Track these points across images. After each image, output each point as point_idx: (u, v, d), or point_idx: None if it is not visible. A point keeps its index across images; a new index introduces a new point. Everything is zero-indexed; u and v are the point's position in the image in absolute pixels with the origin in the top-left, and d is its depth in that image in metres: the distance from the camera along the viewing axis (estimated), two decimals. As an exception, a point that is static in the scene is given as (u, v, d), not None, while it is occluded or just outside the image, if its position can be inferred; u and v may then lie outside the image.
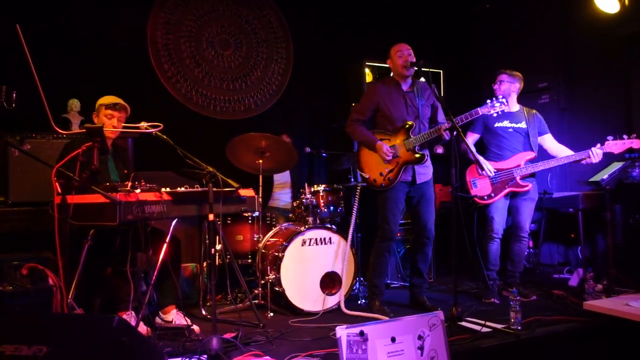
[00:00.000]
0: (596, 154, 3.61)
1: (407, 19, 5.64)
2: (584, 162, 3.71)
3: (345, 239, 3.66)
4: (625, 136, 3.61)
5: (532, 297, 3.75)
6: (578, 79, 5.01)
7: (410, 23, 5.63)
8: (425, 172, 3.53)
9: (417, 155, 3.40)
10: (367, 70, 5.05)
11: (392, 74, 3.60)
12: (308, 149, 4.54)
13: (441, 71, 5.45)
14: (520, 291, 3.61)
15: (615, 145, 3.62)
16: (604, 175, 3.90)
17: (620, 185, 4.05)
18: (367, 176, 3.52)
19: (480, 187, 3.83)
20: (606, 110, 4.71)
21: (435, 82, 5.35)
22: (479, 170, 3.80)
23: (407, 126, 3.43)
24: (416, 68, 3.41)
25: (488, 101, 3.33)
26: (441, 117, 3.57)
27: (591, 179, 4.07)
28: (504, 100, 3.31)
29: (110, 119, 3.06)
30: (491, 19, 5.77)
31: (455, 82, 5.55)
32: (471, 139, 3.94)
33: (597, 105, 4.81)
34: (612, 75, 4.67)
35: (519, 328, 2.88)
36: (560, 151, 3.84)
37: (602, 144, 3.62)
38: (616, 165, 3.99)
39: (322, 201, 3.86)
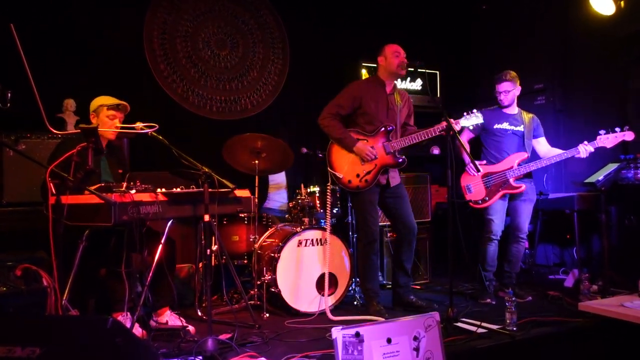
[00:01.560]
0: (585, 150, 3.60)
1: (405, 19, 5.65)
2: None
3: (342, 240, 3.66)
4: (617, 129, 3.59)
5: (527, 297, 3.76)
6: (575, 80, 5.03)
7: (409, 23, 5.63)
8: (396, 176, 3.57)
9: (398, 160, 3.41)
10: (364, 71, 5.05)
11: (379, 73, 3.57)
12: (304, 150, 4.53)
13: (437, 72, 5.46)
14: (515, 292, 3.61)
15: (607, 140, 3.60)
16: (599, 176, 3.90)
17: (615, 187, 4.06)
18: (341, 176, 3.43)
19: (474, 192, 3.84)
20: (603, 110, 4.72)
21: (432, 83, 5.36)
22: (471, 171, 3.81)
23: (387, 129, 3.44)
24: (411, 69, 3.44)
25: (465, 114, 3.37)
26: (411, 121, 3.64)
27: (586, 180, 4.08)
28: (479, 115, 3.37)
29: (113, 120, 3.04)
30: (490, 19, 5.79)
31: (453, 82, 5.56)
32: (465, 136, 3.94)
33: (593, 106, 4.82)
34: (609, 76, 4.68)
35: (515, 329, 2.89)
36: (553, 154, 3.84)
37: (594, 140, 3.62)
38: (611, 167, 4.00)
39: (318, 202, 3.85)
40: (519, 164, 3.77)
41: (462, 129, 3.90)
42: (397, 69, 3.44)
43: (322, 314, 3.46)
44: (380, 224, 3.69)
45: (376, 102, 3.47)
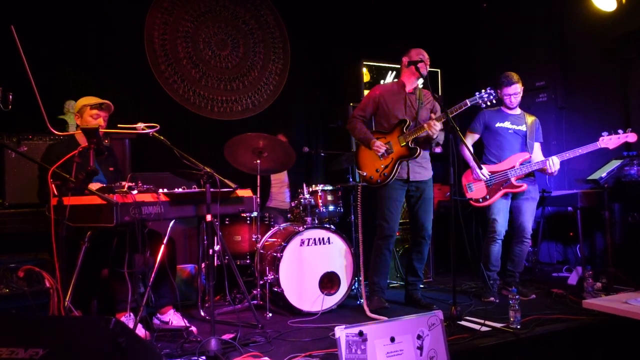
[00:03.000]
0: (553, 163, 3.65)
1: (406, 18, 5.64)
2: (545, 172, 3.74)
3: (344, 238, 3.66)
4: (620, 131, 3.60)
5: (531, 295, 3.74)
6: (576, 77, 5.02)
7: (409, 22, 5.63)
8: (421, 171, 3.56)
9: (411, 149, 3.41)
10: (364, 70, 5.04)
11: (401, 75, 3.62)
12: (306, 149, 4.53)
13: (439, 70, 5.45)
14: (519, 290, 3.61)
15: (610, 141, 3.61)
16: (602, 173, 3.89)
17: (618, 184, 4.05)
18: (365, 174, 3.57)
19: (475, 191, 3.84)
20: (604, 107, 4.71)
21: (433, 82, 5.35)
22: (474, 174, 3.81)
23: (401, 123, 3.48)
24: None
25: (477, 93, 3.32)
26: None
27: (589, 177, 4.07)
28: (492, 91, 3.31)
29: (97, 119, 3.04)
30: (491, 17, 5.78)
31: (453, 81, 5.55)
32: (470, 139, 3.93)
33: (595, 103, 4.81)
34: (610, 73, 4.68)
35: (518, 327, 2.88)
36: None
37: (597, 140, 3.62)
38: (614, 163, 3.99)
39: (320, 201, 3.85)
40: (520, 164, 3.76)
41: (466, 129, 3.91)
42: (418, 76, 3.48)
43: (325, 313, 3.46)
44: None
45: (393, 101, 3.55)
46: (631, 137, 3.59)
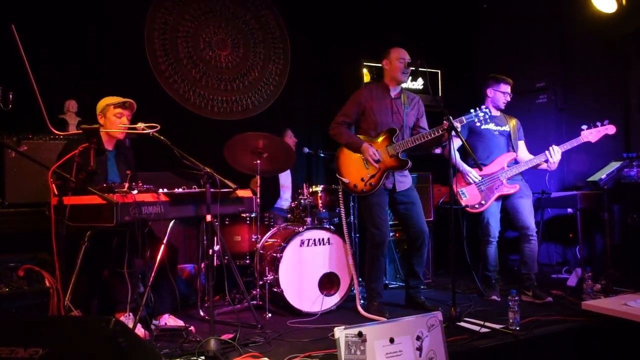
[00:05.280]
0: (555, 151, 3.65)
1: (405, 19, 5.64)
2: (545, 166, 3.75)
3: (344, 239, 3.65)
4: (598, 123, 3.66)
5: (547, 298, 3.61)
6: (576, 78, 5.02)
7: (409, 22, 5.63)
8: (405, 180, 3.55)
9: (401, 161, 3.40)
10: (365, 71, 5.04)
11: (384, 78, 3.60)
12: (306, 150, 4.53)
13: (439, 71, 5.44)
14: (535, 293, 3.61)
15: (591, 134, 3.66)
16: (602, 174, 3.90)
17: (618, 185, 4.05)
18: (347, 181, 3.48)
19: (469, 197, 3.84)
20: (605, 109, 4.70)
21: (433, 82, 5.35)
22: (466, 178, 3.82)
23: (390, 132, 3.45)
24: (412, 69, 3.44)
25: (472, 111, 3.38)
26: (424, 124, 3.62)
27: (589, 179, 4.07)
28: (487, 110, 3.38)
29: (120, 118, 3.05)
30: (491, 17, 5.78)
31: (454, 82, 5.55)
32: (455, 143, 3.91)
33: (595, 104, 4.81)
34: (610, 74, 4.68)
35: (518, 328, 2.88)
36: (527, 159, 3.87)
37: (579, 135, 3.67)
38: (614, 165, 3.99)
39: (320, 202, 3.85)
40: (508, 164, 3.78)
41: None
42: (400, 75, 3.46)
43: (324, 313, 3.46)
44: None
45: (380, 107, 3.50)
46: (610, 129, 3.66)
